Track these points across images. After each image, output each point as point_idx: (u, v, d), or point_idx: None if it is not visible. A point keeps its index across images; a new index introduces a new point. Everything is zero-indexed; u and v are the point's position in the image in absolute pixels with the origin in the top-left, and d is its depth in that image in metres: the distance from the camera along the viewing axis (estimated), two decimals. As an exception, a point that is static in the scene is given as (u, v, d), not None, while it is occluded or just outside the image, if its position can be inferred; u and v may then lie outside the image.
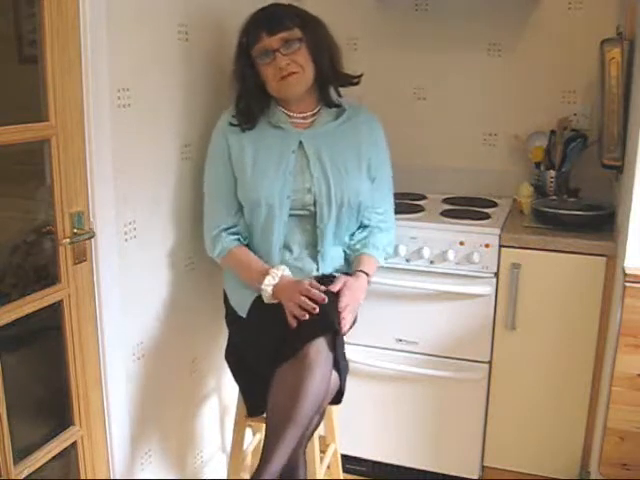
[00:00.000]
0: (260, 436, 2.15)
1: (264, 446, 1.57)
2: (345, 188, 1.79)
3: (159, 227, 1.86)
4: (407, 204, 2.35)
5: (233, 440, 1.95)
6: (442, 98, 2.58)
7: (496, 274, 2.11)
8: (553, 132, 2.37)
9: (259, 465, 1.55)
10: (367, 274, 1.81)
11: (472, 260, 2.10)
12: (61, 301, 1.56)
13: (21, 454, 1.49)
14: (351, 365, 2.11)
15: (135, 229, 1.75)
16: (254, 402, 1.84)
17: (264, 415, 1.69)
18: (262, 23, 1.74)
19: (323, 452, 1.98)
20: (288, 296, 1.65)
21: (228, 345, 1.92)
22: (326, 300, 1.61)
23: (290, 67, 1.72)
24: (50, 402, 1.74)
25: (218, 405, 2.28)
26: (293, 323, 1.61)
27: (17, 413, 1.46)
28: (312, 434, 1.69)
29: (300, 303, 1.60)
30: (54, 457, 1.59)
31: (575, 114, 2.41)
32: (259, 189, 1.77)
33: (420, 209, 2.31)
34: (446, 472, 2.30)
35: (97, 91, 1.55)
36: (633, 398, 1.75)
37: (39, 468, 1.54)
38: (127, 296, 1.74)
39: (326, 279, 1.80)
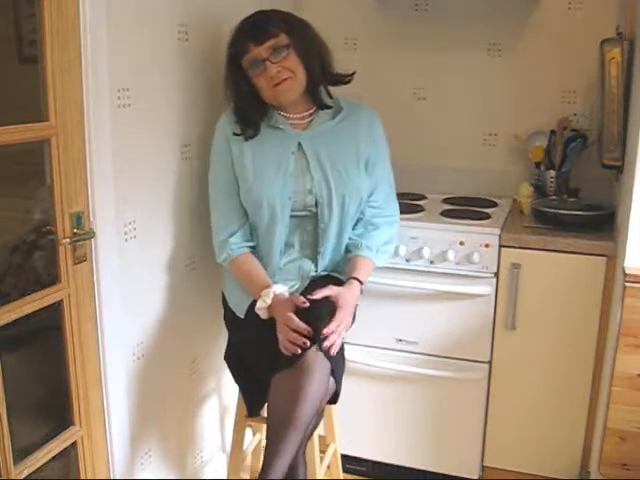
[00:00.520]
0: (260, 436, 2.15)
1: (266, 451, 1.57)
2: (345, 188, 1.79)
3: (159, 227, 1.86)
4: (407, 204, 2.35)
5: (233, 440, 1.95)
6: (442, 98, 2.58)
7: (496, 274, 2.11)
8: (553, 132, 2.37)
9: (262, 469, 1.56)
10: (360, 282, 1.78)
11: (472, 260, 2.10)
12: (61, 301, 1.56)
13: (21, 454, 1.50)
14: (351, 365, 2.12)
15: (135, 229, 1.75)
16: (254, 402, 1.85)
17: (264, 415, 1.69)
18: (248, 33, 1.74)
19: (323, 452, 1.98)
20: (279, 319, 1.64)
21: (228, 346, 1.92)
22: (311, 332, 1.59)
23: (281, 74, 1.72)
24: (50, 402, 1.74)
25: (218, 405, 2.29)
26: (286, 353, 1.60)
27: (17, 413, 1.46)
28: (311, 434, 1.70)
29: (290, 339, 1.59)
30: (54, 457, 1.59)
31: (575, 114, 2.41)
32: (260, 191, 1.77)
33: (420, 209, 2.31)
34: (446, 472, 2.30)
35: (97, 91, 1.55)
36: (633, 398, 1.75)
37: (39, 468, 1.54)
38: (127, 296, 1.74)
39: (325, 279, 1.80)
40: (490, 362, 2.18)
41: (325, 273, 1.85)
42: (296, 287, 1.80)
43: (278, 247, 1.81)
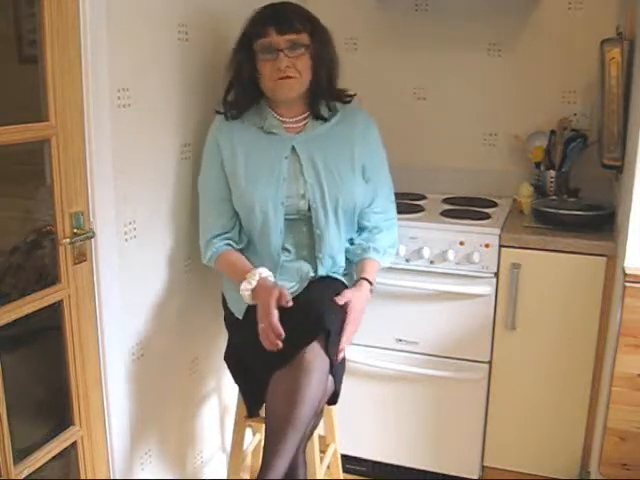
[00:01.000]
0: (260, 436, 2.15)
1: (265, 451, 1.57)
2: (339, 192, 1.79)
3: (159, 227, 1.86)
4: (407, 204, 2.35)
5: (233, 440, 1.95)
6: (442, 98, 2.58)
7: (496, 274, 2.11)
8: (553, 132, 2.37)
9: (261, 469, 1.56)
10: (370, 282, 1.80)
11: (472, 260, 2.10)
12: (61, 301, 1.56)
13: (21, 454, 1.49)
14: (351, 365, 2.12)
15: (135, 229, 1.75)
16: (254, 403, 1.85)
17: (264, 415, 1.69)
18: (273, 19, 1.71)
19: (323, 452, 1.98)
20: (262, 306, 1.63)
21: (228, 346, 1.92)
22: (283, 336, 1.58)
23: (289, 70, 1.71)
24: (50, 402, 1.74)
25: (218, 405, 2.29)
26: (268, 347, 1.60)
27: (17, 413, 1.46)
28: (311, 434, 1.70)
29: (268, 338, 1.59)
30: (54, 457, 1.59)
31: (575, 114, 2.41)
32: (252, 196, 1.77)
33: (420, 209, 2.31)
34: (446, 472, 2.30)
35: (97, 91, 1.55)
36: (633, 398, 1.75)
37: (39, 468, 1.54)
38: (127, 296, 1.74)
39: (325, 280, 1.80)
40: (490, 362, 2.18)
41: (324, 274, 1.85)
42: (295, 288, 1.80)
43: (275, 251, 1.81)
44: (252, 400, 1.84)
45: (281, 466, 1.54)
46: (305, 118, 1.83)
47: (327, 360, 1.60)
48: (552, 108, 2.42)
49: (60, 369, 1.61)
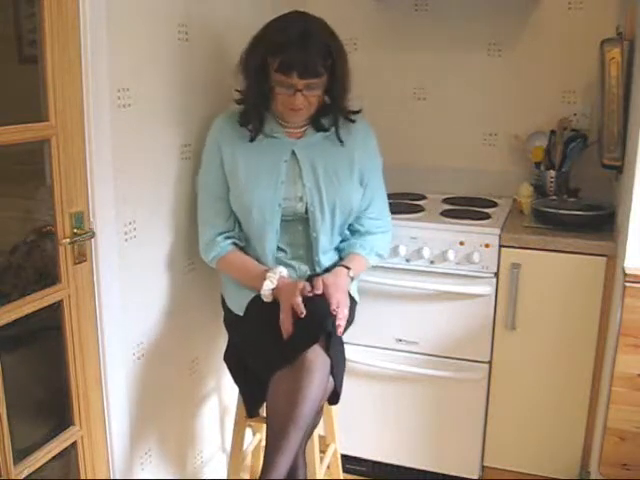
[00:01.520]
0: (260, 436, 2.15)
1: (267, 450, 1.58)
2: (337, 196, 1.80)
3: (159, 227, 1.86)
4: (407, 204, 2.35)
5: (233, 440, 1.95)
6: (442, 98, 2.58)
7: (496, 274, 2.11)
8: (553, 132, 2.37)
9: (263, 469, 1.56)
10: (347, 267, 1.81)
11: (472, 260, 2.10)
12: (61, 301, 1.56)
13: (21, 454, 1.49)
14: (351, 365, 2.12)
15: (135, 229, 1.75)
16: (253, 403, 1.85)
17: (264, 415, 1.69)
18: (297, 64, 1.65)
19: (323, 452, 1.98)
20: (286, 297, 1.66)
21: (228, 347, 1.92)
22: (303, 314, 1.61)
23: (302, 104, 1.71)
24: (50, 402, 1.74)
25: (218, 405, 2.28)
26: (285, 334, 1.62)
27: (17, 413, 1.46)
28: (311, 433, 1.70)
29: (293, 303, 1.62)
30: (54, 457, 1.59)
31: (575, 114, 2.41)
32: (250, 197, 1.78)
33: (420, 209, 2.31)
34: (446, 472, 2.30)
35: (97, 91, 1.55)
36: (633, 398, 1.75)
37: (39, 468, 1.54)
38: (127, 296, 1.74)
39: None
40: (490, 362, 2.18)
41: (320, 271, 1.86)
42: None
43: (271, 253, 1.82)
44: (252, 400, 1.84)
45: (283, 465, 1.54)
46: (306, 125, 1.83)
47: (328, 360, 1.60)
48: (552, 108, 2.42)
49: (60, 369, 1.61)
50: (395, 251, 2.14)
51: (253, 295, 1.77)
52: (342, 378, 1.71)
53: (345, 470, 2.28)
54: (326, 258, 1.85)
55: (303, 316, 1.61)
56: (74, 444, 1.65)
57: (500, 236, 2.09)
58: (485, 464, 2.28)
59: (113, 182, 1.64)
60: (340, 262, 1.84)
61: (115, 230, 1.67)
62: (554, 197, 2.33)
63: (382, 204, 1.95)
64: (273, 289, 1.70)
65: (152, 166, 1.80)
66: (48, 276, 1.57)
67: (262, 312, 1.73)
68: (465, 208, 2.33)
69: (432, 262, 2.15)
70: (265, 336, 1.68)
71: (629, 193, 1.78)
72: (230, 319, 1.89)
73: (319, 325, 1.62)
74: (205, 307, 2.09)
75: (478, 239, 2.10)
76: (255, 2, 2.24)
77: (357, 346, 2.25)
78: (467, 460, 2.27)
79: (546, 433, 2.17)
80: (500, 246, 2.09)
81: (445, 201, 2.45)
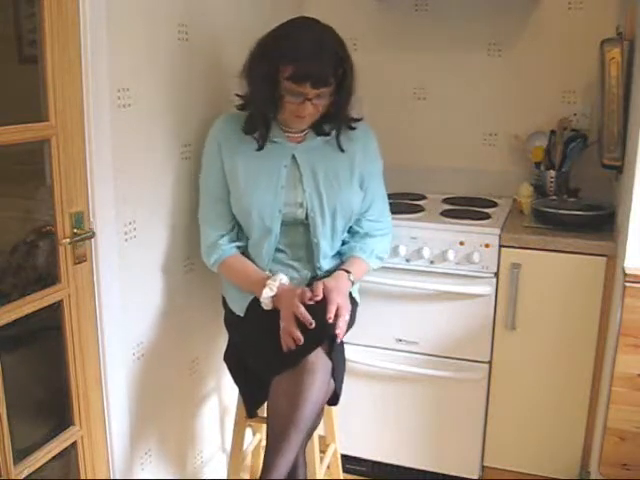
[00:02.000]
0: (260, 436, 2.15)
1: (267, 451, 1.58)
2: (337, 201, 1.79)
3: (159, 227, 1.86)
4: (407, 204, 2.35)
5: (233, 440, 1.95)
6: (442, 98, 2.58)
7: (496, 274, 2.11)
8: (553, 132, 2.37)
9: (264, 469, 1.56)
10: (347, 271, 1.79)
11: (472, 260, 2.10)
12: (61, 301, 1.56)
13: (21, 454, 1.49)
14: (351, 365, 2.13)
15: (135, 229, 1.75)
16: (253, 404, 1.85)
17: (264, 416, 1.69)
18: (311, 74, 1.64)
19: (323, 452, 1.98)
20: (286, 309, 1.64)
21: (228, 347, 1.92)
22: (312, 326, 1.59)
23: (310, 112, 1.72)
24: (50, 402, 1.74)
25: (218, 405, 2.28)
26: (285, 347, 1.60)
27: (17, 413, 1.46)
28: (311, 434, 1.69)
29: (290, 332, 1.59)
30: (54, 457, 1.59)
31: (575, 114, 2.41)
32: (250, 201, 1.77)
33: (420, 209, 2.31)
34: (446, 472, 2.30)
35: (97, 91, 1.55)
36: (633, 398, 1.75)
37: (39, 468, 1.54)
38: (127, 296, 1.74)
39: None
40: (490, 362, 2.18)
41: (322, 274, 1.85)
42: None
43: (268, 255, 1.81)
44: (252, 400, 1.84)
45: (284, 466, 1.54)
46: (307, 129, 1.83)
47: (329, 363, 1.60)
48: (552, 108, 2.42)
49: (60, 369, 1.61)
50: (395, 251, 2.14)
51: (254, 296, 1.77)
52: (342, 379, 1.71)
53: (345, 470, 2.28)
54: (327, 262, 1.85)
55: (313, 327, 1.58)
56: (74, 444, 1.65)
57: (500, 236, 2.09)
58: (485, 464, 2.28)
59: (113, 182, 1.64)
60: (341, 266, 1.82)
61: (115, 230, 1.67)
62: (554, 197, 2.33)
63: (382, 206, 1.94)
64: (273, 296, 1.69)
65: (152, 166, 1.80)
66: (48, 276, 1.57)
67: (263, 314, 1.72)
68: (465, 208, 2.33)
69: (432, 262, 2.15)
70: (266, 338, 1.67)
71: (629, 193, 1.78)
72: (231, 319, 1.89)
73: (322, 329, 1.61)
74: (205, 307, 2.09)
75: (478, 239, 2.10)
76: (255, 2, 2.24)
77: (357, 346, 2.25)
78: (467, 460, 2.27)
79: (546, 433, 2.17)
80: (500, 246, 2.09)
81: (445, 201, 2.45)
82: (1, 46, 1.65)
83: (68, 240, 1.53)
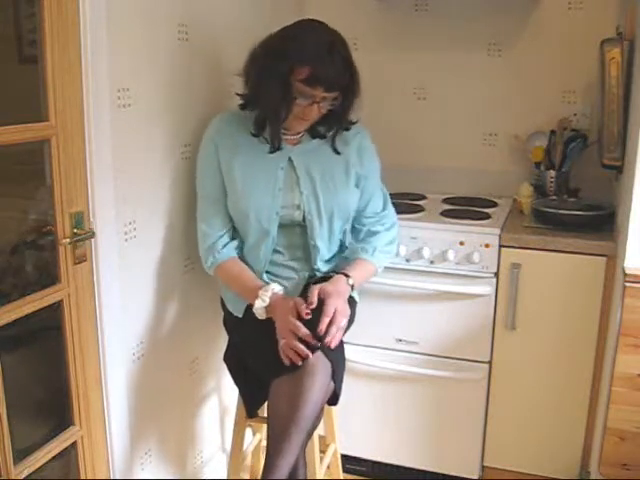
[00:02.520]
0: (260, 436, 2.15)
1: (268, 452, 1.58)
2: (334, 202, 1.79)
3: (159, 227, 1.86)
4: (407, 204, 2.35)
5: (233, 440, 1.95)
6: (442, 98, 2.58)
7: (496, 274, 2.11)
8: (553, 132, 2.37)
9: (265, 470, 1.56)
10: (347, 275, 1.77)
11: (472, 260, 2.10)
12: (61, 301, 1.56)
13: (21, 454, 1.49)
14: (351, 365, 2.13)
15: (135, 229, 1.75)
16: (253, 404, 1.85)
17: (264, 416, 1.69)
18: (327, 77, 1.64)
19: (323, 452, 1.98)
20: (281, 323, 1.63)
21: (227, 347, 1.92)
22: (317, 344, 1.58)
23: (316, 115, 1.72)
24: (50, 402, 1.74)
25: (218, 405, 2.29)
26: (288, 362, 1.59)
27: (17, 413, 1.46)
28: (312, 434, 1.69)
29: (295, 349, 1.57)
30: (54, 457, 1.59)
31: (575, 114, 2.41)
32: (247, 203, 1.77)
33: (420, 209, 2.31)
34: (446, 472, 2.30)
35: (97, 91, 1.55)
36: (633, 398, 1.75)
37: (39, 468, 1.54)
38: (127, 296, 1.74)
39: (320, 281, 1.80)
40: (490, 362, 2.18)
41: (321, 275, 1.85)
42: (287, 291, 1.80)
43: (265, 257, 1.81)
44: (252, 400, 1.84)
45: (285, 466, 1.54)
46: (303, 131, 1.82)
47: (329, 363, 1.60)
48: (552, 108, 2.42)
49: (60, 369, 1.61)
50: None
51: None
52: (342, 380, 1.71)
53: (345, 470, 2.28)
54: (325, 264, 1.85)
55: (315, 344, 1.57)
56: (74, 444, 1.65)
57: (500, 236, 2.09)
58: (485, 464, 2.28)
59: (113, 182, 1.64)
60: (341, 269, 1.80)
61: (115, 230, 1.67)
62: (554, 197, 2.33)
63: (382, 201, 1.93)
64: (266, 307, 1.68)
65: (152, 166, 1.80)
66: (48, 276, 1.57)
67: None
68: (465, 208, 2.33)
69: (432, 262, 2.15)
70: (264, 340, 1.67)
71: (629, 193, 1.78)
72: (229, 320, 1.88)
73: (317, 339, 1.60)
74: (205, 307, 2.09)
75: (478, 239, 2.10)
76: (255, 2, 2.24)
77: (357, 346, 2.26)
78: (467, 460, 2.27)
79: (546, 433, 2.17)
80: (500, 246, 2.09)
81: (445, 201, 2.45)
82: (1, 46, 1.64)
83: (68, 240, 1.53)
